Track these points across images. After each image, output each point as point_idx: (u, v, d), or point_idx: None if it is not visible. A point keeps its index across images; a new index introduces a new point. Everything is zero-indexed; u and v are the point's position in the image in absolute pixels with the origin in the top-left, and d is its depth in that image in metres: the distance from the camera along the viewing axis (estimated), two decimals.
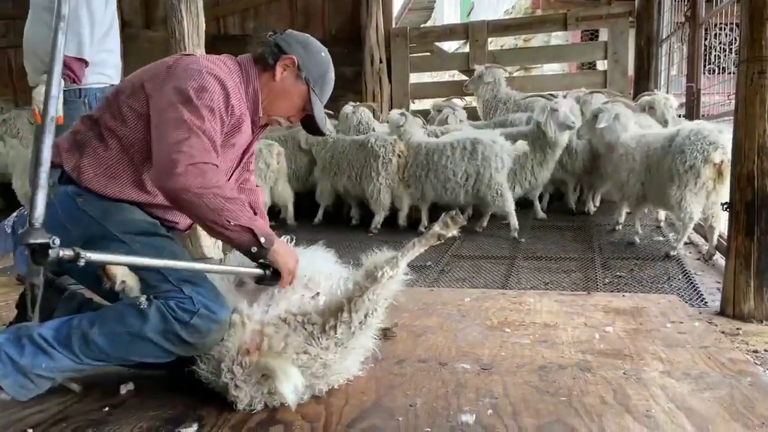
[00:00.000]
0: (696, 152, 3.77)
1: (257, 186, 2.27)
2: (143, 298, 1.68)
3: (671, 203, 3.91)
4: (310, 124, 2.05)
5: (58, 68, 1.45)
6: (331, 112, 5.82)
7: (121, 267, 1.70)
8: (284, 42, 1.95)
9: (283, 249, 1.80)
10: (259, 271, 1.78)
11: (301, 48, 1.96)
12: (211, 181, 1.65)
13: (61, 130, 2.89)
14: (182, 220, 1.98)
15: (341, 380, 1.89)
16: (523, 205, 5.61)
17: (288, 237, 2.04)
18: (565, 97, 5.26)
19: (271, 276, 1.79)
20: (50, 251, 1.34)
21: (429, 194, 5.15)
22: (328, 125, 2.30)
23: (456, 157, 4.92)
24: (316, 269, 1.95)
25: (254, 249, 1.72)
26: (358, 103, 6.02)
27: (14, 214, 1.85)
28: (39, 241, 1.34)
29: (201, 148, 1.66)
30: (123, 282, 1.71)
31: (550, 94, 5.68)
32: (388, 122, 5.56)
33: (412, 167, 5.18)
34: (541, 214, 5.41)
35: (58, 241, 1.36)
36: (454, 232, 1.82)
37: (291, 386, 1.66)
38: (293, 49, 1.94)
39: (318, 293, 1.87)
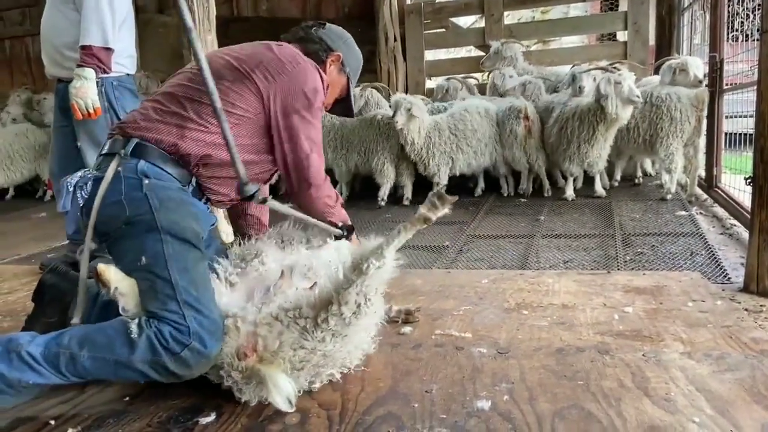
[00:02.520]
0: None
1: None
2: (134, 326, 1.66)
3: None
4: (338, 108, 2.39)
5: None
6: None
7: (114, 272, 1.70)
8: (328, 38, 2.22)
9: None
10: (338, 231, 2.15)
11: (343, 44, 2.25)
12: (323, 192, 2.11)
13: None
14: (228, 199, 2.06)
15: (356, 360, 1.89)
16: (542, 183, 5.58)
17: None
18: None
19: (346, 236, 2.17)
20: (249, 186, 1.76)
21: (462, 163, 5.37)
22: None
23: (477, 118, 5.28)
24: (316, 258, 1.94)
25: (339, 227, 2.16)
26: (366, 84, 6.00)
27: (78, 173, 1.86)
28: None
29: (320, 164, 2.08)
30: (116, 288, 1.69)
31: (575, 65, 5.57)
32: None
33: (441, 144, 5.25)
34: (571, 194, 5.20)
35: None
36: (443, 212, 1.67)
37: (283, 398, 1.64)
38: (337, 45, 2.23)
39: (315, 283, 1.85)
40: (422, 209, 1.67)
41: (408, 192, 5.63)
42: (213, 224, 2.06)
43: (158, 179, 1.80)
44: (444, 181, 5.34)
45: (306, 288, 1.85)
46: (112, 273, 1.69)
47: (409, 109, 5.00)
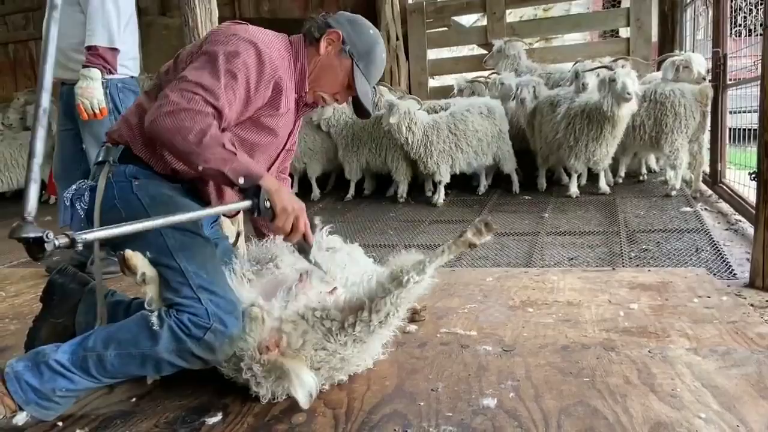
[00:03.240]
0: None
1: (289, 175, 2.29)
2: (155, 318, 1.67)
3: None
4: (358, 105, 2.01)
5: (50, 60, 1.42)
6: None
7: (141, 259, 1.71)
8: (332, 19, 1.98)
9: (276, 187, 1.72)
10: (247, 203, 1.70)
11: (348, 23, 1.98)
12: (183, 123, 1.62)
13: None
14: (212, 196, 1.94)
15: (363, 369, 1.90)
16: (547, 181, 5.59)
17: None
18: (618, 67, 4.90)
19: (266, 211, 1.70)
20: (46, 245, 1.31)
21: (462, 162, 5.43)
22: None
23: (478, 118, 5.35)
24: (334, 262, 1.95)
25: (241, 181, 1.66)
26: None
27: (74, 186, 1.87)
28: (32, 235, 1.31)
29: (193, 102, 1.64)
30: (143, 274, 1.70)
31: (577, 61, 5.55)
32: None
33: (440, 143, 5.29)
34: (575, 191, 5.21)
35: (51, 235, 1.33)
36: (486, 239, 1.74)
37: (305, 392, 1.66)
38: (340, 24, 1.96)
39: (335, 288, 1.86)
40: (468, 234, 1.73)
41: (402, 190, 5.77)
42: (214, 223, 2.06)
43: (148, 179, 1.81)
44: (446, 179, 5.40)
45: (326, 292, 1.85)
46: (139, 259, 1.70)
47: (391, 109, 5.08)
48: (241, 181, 1.67)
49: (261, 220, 2.05)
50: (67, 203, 1.82)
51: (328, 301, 1.77)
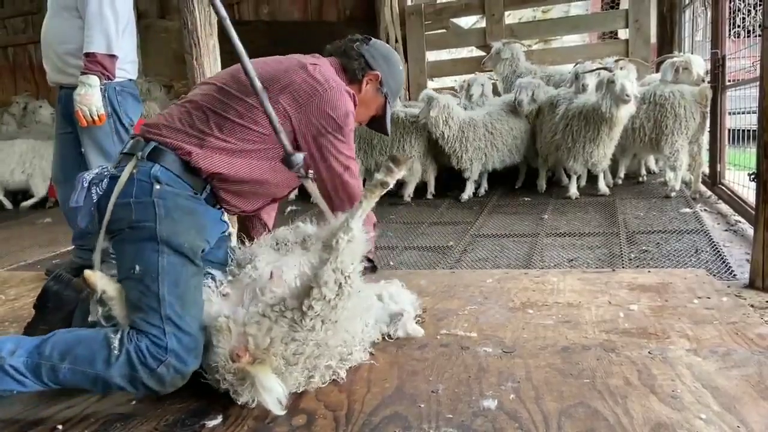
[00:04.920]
0: None
1: None
2: (116, 342, 1.68)
3: None
4: (374, 124, 2.33)
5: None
6: None
7: (101, 278, 1.72)
8: (370, 56, 2.16)
9: None
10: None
11: (385, 63, 2.19)
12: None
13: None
14: (239, 210, 2.07)
15: (357, 351, 1.91)
16: (547, 182, 5.59)
17: None
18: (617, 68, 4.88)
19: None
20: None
21: (496, 160, 5.49)
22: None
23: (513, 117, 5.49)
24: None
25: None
26: None
27: (96, 169, 1.87)
28: None
29: (355, 184, 2.08)
30: (103, 292, 1.71)
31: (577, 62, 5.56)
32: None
33: (475, 140, 5.34)
34: (575, 193, 5.19)
35: None
36: (400, 174, 1.69)
37: (273, 399, 1.66)
38: (378, 64, 2.17)
39: (282, 271, 1.87)
40: (379, 175, 1.70)
41: (431, 187, 5.80)
42: (224, 232, 2.06)
43: (170, 185, 1.81)
44: (475, 176, 5.47)
45: (267, 279, 1.87)
46: (98, 278, 1.71)
47: (430, 102, 5.09)
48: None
49: (261, 220, 2.29)
50: (85, 184, 1.81)
51: (285, 291, 1.76)
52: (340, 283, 1.67)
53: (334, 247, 1.66)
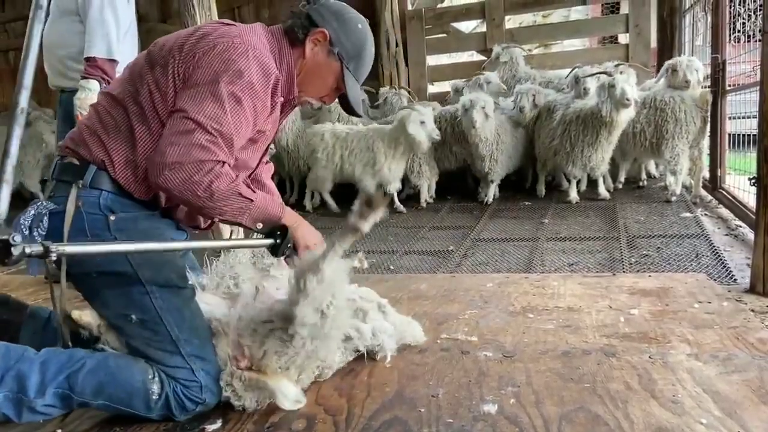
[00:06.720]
0: None
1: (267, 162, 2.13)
2: (156, 387, 1.64)
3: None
4: (346, 103, 1.87)
5: (32, 58, 1.41)
6: (372, 90, 6.12)
7: (90, 314, 1.69)
8: (316, 13, 1.77)
9: (295, 223, 1.72)
10: (268, 241, 1.69)
11: (335, 20, 1.77)
12: (191, 177, 1.53)
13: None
14: (202, 222, 1.90)
15: (361, 346, 1.96)
16: (547, 187, 5.59)
17: None
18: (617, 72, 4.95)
19: (290, 251, 1.71)
20: (13, 249, 1.19)
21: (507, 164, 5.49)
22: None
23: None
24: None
25: (259, 226, 1.67)
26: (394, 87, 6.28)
27: (31, 210, 1.60)
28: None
29: (201, 151, 1.54)
30: (99, 325, 1.68)
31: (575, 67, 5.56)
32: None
33: (503, 144, 5.35)
34: (575, 197, 5.19)
35: (19, 238, 1.21)
36: (376, 217, 1.54)
37: (292, 402, 1.71)
38: (326, 21, 1.76)
39: (259, 287, 1.89)
40: (352, 219, 1.56)
41: (432, 191, 5.78)
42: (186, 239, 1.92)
43: (124, 211, 1.64)
44: (499, 179, 5.48)
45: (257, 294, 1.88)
46: (89, 316, 1.68)
47: (483, 107, 5.06)
48: (260, 226, 1.67)
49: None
50: (26, 231, 1.51)
51: (272, 313, 1.76)
52: (322, 311, 1.65)
53: (302, 289, 1.62)
